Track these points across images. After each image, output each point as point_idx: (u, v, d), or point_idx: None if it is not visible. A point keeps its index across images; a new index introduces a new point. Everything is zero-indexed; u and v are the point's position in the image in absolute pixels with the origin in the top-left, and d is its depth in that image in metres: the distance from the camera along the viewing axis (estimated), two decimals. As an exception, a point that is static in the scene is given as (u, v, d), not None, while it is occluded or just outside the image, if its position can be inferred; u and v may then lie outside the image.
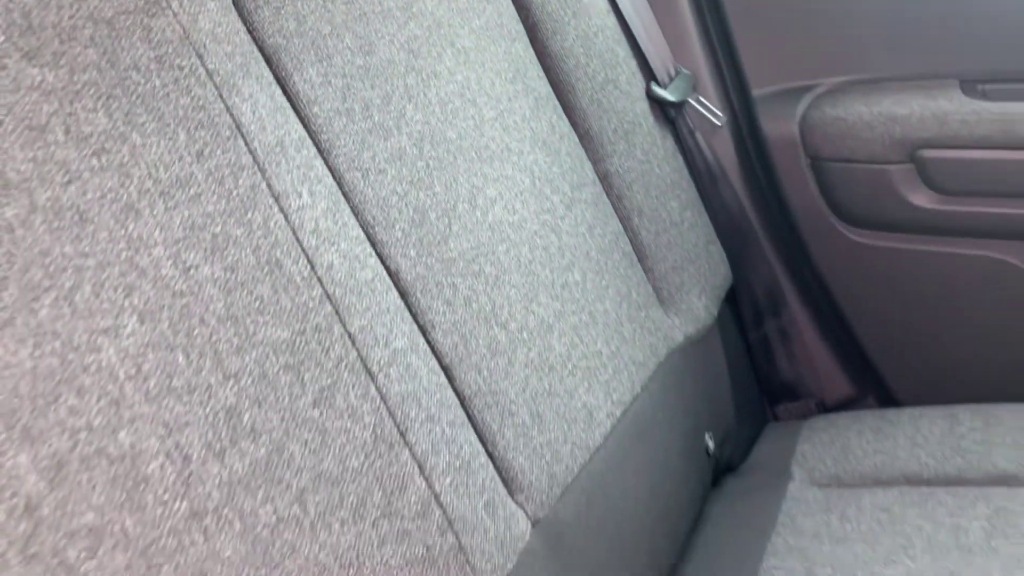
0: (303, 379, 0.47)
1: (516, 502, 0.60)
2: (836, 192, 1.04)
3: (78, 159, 0.42)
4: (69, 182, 0.42)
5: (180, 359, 0.43)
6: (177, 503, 0.40)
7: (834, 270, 1.09)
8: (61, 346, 0.39)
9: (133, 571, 0.38)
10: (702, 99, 0.99)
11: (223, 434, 0.43)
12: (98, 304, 0.41)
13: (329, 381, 0.48)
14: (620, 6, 0.94)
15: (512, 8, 0.83)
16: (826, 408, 1.10)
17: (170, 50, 0.49)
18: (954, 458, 0.90)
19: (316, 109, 0.57)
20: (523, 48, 0.83)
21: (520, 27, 0.84)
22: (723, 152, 1.03)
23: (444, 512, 0.52)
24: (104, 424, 0.39)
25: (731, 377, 0.99)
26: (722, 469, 0.95)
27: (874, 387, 1.12)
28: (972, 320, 1.05)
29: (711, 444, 0.90)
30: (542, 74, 0.84)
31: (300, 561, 0.44)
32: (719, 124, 1.00)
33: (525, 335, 0.66)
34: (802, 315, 1.10)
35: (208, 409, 0.43)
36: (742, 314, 1.06)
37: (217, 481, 0.42)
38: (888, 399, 1.12)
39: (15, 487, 0.36)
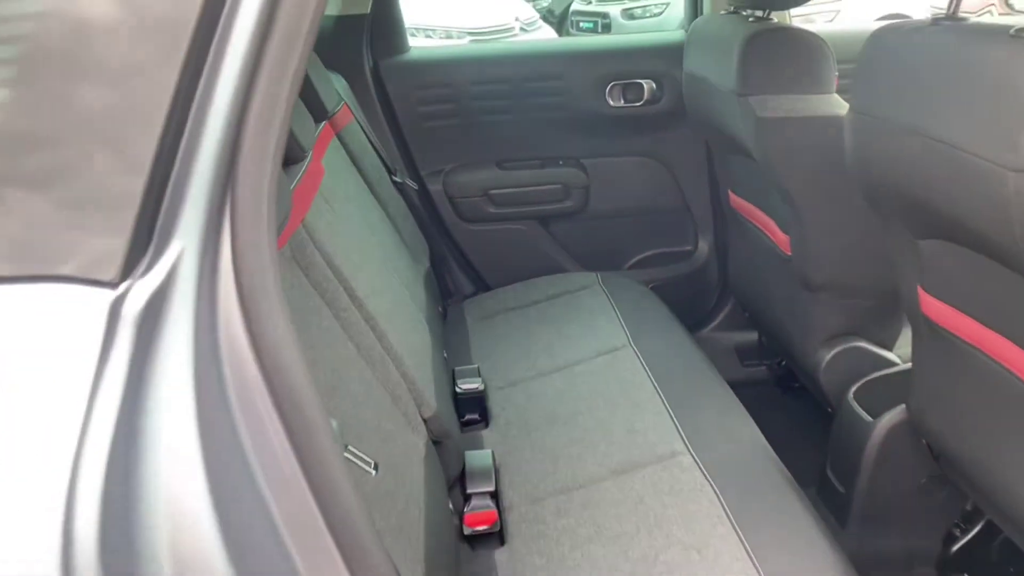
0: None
1: None
2: (460, 210, 2.43)
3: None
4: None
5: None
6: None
7: (464, 242, 2.46)
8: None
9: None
10: (408, 179, 2.32)
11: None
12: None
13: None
14: (370, 140, 2.22)
15: (348, 157, 2.06)
16: (466, 298, 2.46)
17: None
18: (521, 298, 2.26)
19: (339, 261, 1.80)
20: (356, 174, 2.07)
21: (352, 165, 2.08)
22: (419, 200, 2.35)
23: (399, 370, 1.81)
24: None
25: (441, 293, 2.35)
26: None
27: (485, 286, 2.52)
28: (513, 248, 2.48)
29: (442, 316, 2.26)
30: (365, 184, 2.09)
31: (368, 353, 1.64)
32: (415, 188, 2.34)
33: (396, 304, 1.92)
34: (455, 264, 2.48)
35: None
36: (435, 268, 2.42)
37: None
38: (488, 288, 2.51)
39: None
